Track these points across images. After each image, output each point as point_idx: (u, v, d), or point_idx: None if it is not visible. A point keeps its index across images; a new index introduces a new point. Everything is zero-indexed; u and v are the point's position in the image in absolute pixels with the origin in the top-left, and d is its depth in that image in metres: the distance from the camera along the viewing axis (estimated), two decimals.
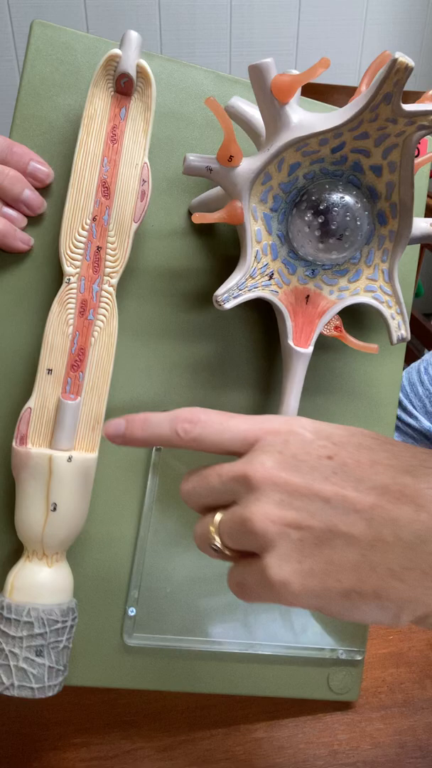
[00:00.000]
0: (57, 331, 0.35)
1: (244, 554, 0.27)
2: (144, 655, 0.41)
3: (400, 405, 0.61)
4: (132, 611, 0.41)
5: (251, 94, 0.39)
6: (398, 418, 0.62)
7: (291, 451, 0.26)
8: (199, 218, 0.35)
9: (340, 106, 0.34)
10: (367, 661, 0.48)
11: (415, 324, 1.48)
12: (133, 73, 0.34)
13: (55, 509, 0.35)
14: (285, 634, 0.43)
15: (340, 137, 0.34)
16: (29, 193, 0.36)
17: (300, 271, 0.38)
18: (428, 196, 1.21)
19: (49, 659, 0.34)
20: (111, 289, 0.36)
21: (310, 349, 0.38)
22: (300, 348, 0.38)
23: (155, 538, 0.41)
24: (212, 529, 0.28)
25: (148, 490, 0.40)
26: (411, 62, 0.29)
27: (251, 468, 0.26)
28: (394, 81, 0.30)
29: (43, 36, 0.37)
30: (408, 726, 0.45)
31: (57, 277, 0.38)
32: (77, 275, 0.36)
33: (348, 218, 0.35)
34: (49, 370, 0.35)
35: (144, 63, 0.35)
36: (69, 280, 0.35)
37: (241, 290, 0.36)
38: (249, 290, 0.36)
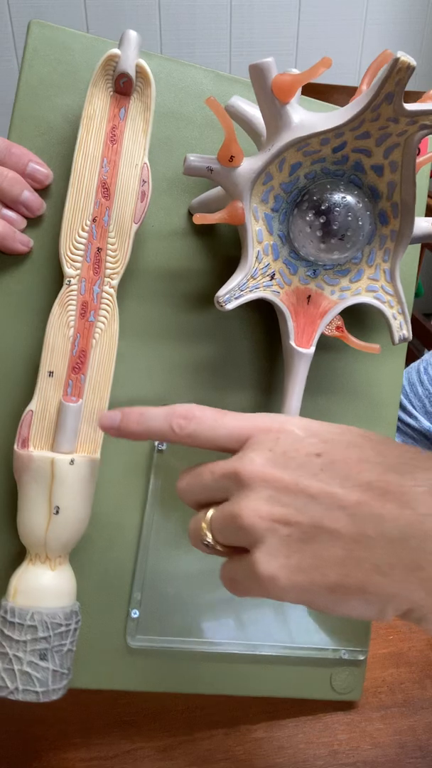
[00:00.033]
0: (58, 333, 0.35)
1: (236, 550, 0.28)
2: (147, 657, 0.41)
3: (400, 405, 0.61)
4: (135, 613, 0.41)
5: (251, 93, 0.39)
6: (398, 419, 0.62)
7: (281, 449, 0.27)
8: (200, 219, 0.35)
9: (341, 106, 0.34)
10: (367, 661, 0.48)
11: (415, 324, 1.48)
12: (132, 72, 0.34)
13: (57, 512, 0.34)
14: (288, 634, 0.43)
15: (342, 137, 0.34)
16: (28, 195, 0.36)
17: (301, 271, 0.38)
18: (429, 195, 1.21)
19: (53, 663, 0.34)
20: (112, 291, 0.36)
21: (312, 349, 0.38)
22: (302, 348, 0.38)
23: (158, 540, 0.41)
24: (204, 525, 0.28)
25: (150, 492, 0.40)
26: (413, 61, 0.29)
27: (241, 465, 0.27)
28: (395, 80, 0.30)
29: (40, 36, 0.37)
30: (408, 726, 0.45)
31: (57, 279, 0.38)
32: (78, 277, 0.35)
33: (350, 218, 0.35)
34: (51, 373, 0.35)
35: (143, 63, 0.34)
36: (69, 281, 0.35)
37: (242, 291, 0.36)
38: (250, 291, 0.36)
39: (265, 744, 0.43)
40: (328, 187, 0.36)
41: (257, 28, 1.72)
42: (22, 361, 0.38)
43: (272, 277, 0.37)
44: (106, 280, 0.36)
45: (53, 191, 0.37)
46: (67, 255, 0.35)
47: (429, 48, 1.84)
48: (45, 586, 0.35)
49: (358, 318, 0.43)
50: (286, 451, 0.27)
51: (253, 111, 0.37)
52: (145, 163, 0.36)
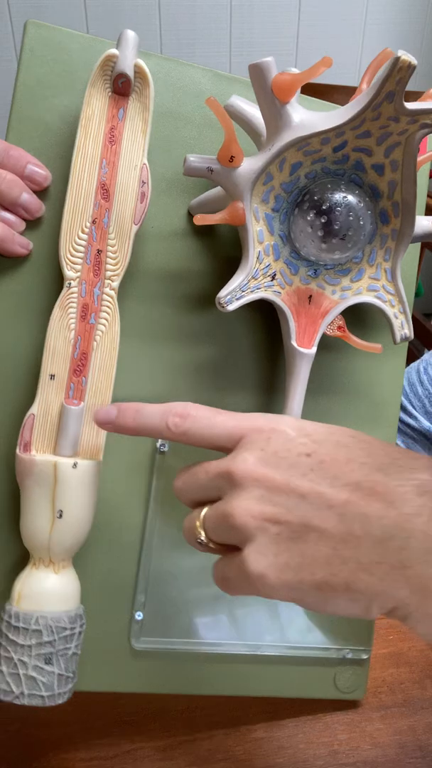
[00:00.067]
0: (59, 336, 0.35)
1: (228, 548, 0.28)
2: (152, 659, 0.41)
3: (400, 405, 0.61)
4: (139, 615, 0.40)
5: (249, 92, 0.39)
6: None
7: (272, 449, 0.27)
8: (200, 220, 0.35)
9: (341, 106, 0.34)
10: None
11: (415, 324, 1.47)
12: (130, 73, 0.34)
13: (61, 516, 0.34)
14: (291, 635, 0.43)
15: (342, 136, 0.34)
16: (27, 197, 0.36)
17: (302, 271, 0.38)
18: (428, 195, 1.21)
19: (58, 667, 0.34)
20: (112, 293, 0.36)
21: (314, 349, 0.38)
22: (303, 348, 0.38)
23: (160, 542, 0.41)
24: (198, 523, 0.29)
25: (152, 494, 0.40)
26: (414, 60, 0.29)
27: (234, 464, 0.27)
28: (396, 79, 0.30)
29: (37, 36, 0.37)
30: (408, 726, 0.45)
31: (57, 281, 0.37)
32: (78, 279, 0.35)
33: (351, 218, 0.35)
34: (52, 376, 0.35)
35: (142, 63, 0.34)
36: (70, 284, 0.35)
37: (243, 292, 0.36)
38: (252, 291, 0.36)
39: (265, 744, 0.43)
40: (329, 186, 0.35)
41: (257, 28, 1.72)
42: (23, 364, 0.38)
43: (273, 278, 0.37)
44: (107, 282, 0.36)
45: (52, 193, 0.37)
46: (67, 257, 0.35)
47: (429, 48, 1.84)
48: (49, 590, 0.35)
49: (359, 317, 0.43)
50: (277, 451, 0.27)
51: (252, 110, 0.37)
52: (144, 164, 0.36)
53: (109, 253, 0.36)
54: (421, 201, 0.43)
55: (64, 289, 0.35)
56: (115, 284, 0.36)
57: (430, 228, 0.39)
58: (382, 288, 0.39)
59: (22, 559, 0.38)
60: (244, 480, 0.27)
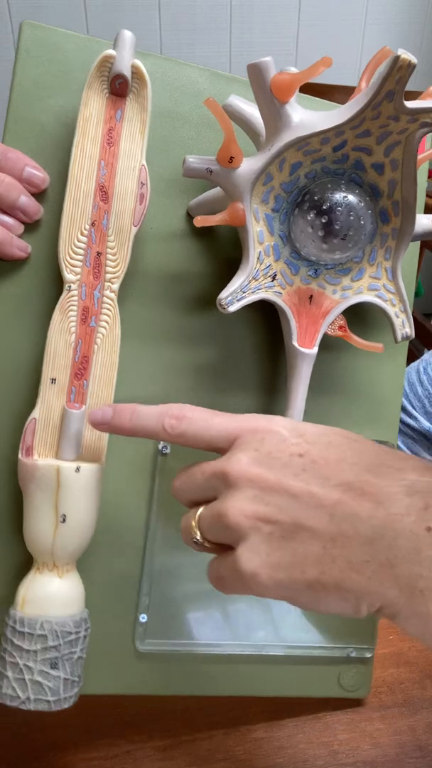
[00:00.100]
0: (59, 340, 0.35)
1: (223, 547, 0.29)
2: (156, 660, 0.41)
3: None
4: (143, 618, 0.40)
5: (247, 91, 0.39)
6: None
7: (266, 449, 0.28)
8: (201, 221, 0.35)
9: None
10: None
11: (415, 324, 1.47)
12: (128, 73, 0.34)
13: (64, 520, 0.34)
14: (295, 634, 0.43)
15: (342, 135, 0.33)
16: (25, 200, 0.35)
17: (303, 271, 0.38)
18: (428, 195, 1.20)
19: (63, 671, 0.34)
20: (112, 295, 0.36)
21: (315, 349, 0.38)
22: (304, 349, 0.38)
23: (164, 543, 0.40)
24: (193, 523, 0.29)
25: (154, 496, 0.40)
26: (413, 59, 0.29)
27: (229, 465, 0.28)
28: (396, 78, 0.30)
29: (32, 37, 0.36)
30: (408, 726, 0.45)
31: (57, 284, 0.37)
32: (78, 282, 0.35)
33: (351, 217, 0.35)
34: (53, 380, 0.35)
35: (139, 63, 0.34)
36: (70, 287, 0.35)
37: (244, 293, 0.36)
38: (252, 292, 0.36)
39: (265, 744, 0.43)
40: (329, 186, 0.35)
41: (257, 28, 1.72)
42: (24, 369, 0.38)
43: (274, 278, 0.37)
44: (107, 284, 0.36)
45: (50, 195, 0.37)
46: (66, 260, 0.35)
47: (429, 47, 1.84)
48: (53, 594, 0.34)
49: (359, 316, 0.43)
50: (270, 451, 0.27)
51: (251, 110, 0.37)
52: (143, 165, 0.35)
53: (109, 256, 0.36)
54: (421, 201, 0.43)
55: (64, 293, 0.35)
56: (115, 287, 0.36)
57: (431, 226, 0.39)
58: (383, 287, 0.39)
59: (25, 563, 0.38)
60: (238, 480, 0.27)
